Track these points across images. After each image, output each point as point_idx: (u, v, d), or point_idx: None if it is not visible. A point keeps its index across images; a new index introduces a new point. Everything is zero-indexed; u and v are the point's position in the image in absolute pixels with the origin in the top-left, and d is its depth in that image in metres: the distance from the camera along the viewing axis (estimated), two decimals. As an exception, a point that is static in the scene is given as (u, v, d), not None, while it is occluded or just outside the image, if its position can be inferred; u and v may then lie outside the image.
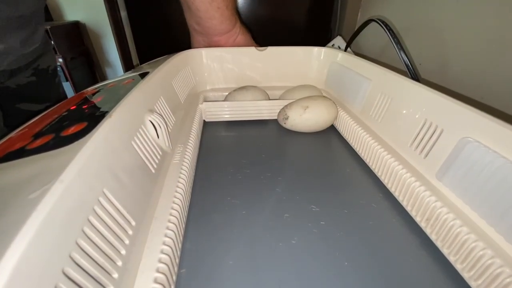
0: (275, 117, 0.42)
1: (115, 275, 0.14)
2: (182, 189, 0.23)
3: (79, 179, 0.13)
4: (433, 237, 0.21)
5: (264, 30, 0.69)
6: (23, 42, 0.39)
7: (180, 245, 0.20)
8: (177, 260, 0.19)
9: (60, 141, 0.16)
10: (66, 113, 0.22)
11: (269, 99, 0.46)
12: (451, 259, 0.20)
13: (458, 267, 0.19)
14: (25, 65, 0.40)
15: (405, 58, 0.36)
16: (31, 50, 0.41)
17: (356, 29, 0.50)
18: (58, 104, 0.25)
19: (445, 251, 0.20)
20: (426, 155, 0.24)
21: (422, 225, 0.22)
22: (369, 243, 0.22)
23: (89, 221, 0.13)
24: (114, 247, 0.14)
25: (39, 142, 0.17)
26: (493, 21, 0.38)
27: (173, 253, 0.18)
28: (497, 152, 0.18)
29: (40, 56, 0.43)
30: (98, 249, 0.13)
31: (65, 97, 0.51)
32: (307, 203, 0.25)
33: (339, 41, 0.66)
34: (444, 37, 0.45)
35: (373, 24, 0.43)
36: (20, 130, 0.21)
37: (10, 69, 0.38)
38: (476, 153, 0.19)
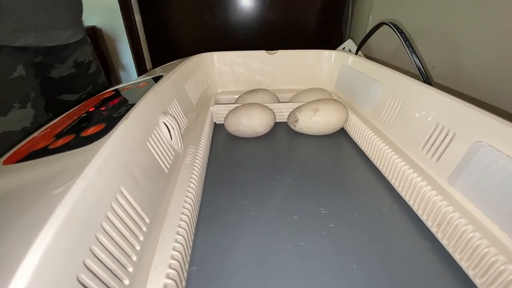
0: (285, 120, 0.42)
1: (130, 269, 0.14)
2: (194, 189, 0.24)
3: (99, 176, 0.14)
4: (444, 242, 0.21)
5: (275, 34, 0.70)
6: (73, 21, 0.44)
7: (191, 243, 0.21)
8: (188, 258, 0.20)
9: (80, 141, 0.17)
10: (85, 114, 0.23)
11: (279, 102, 0.46)
12: (463, 264, 0.19)
13: (470, 273, 0.19)
14: (66, 54, 0.45)
15: (417, 62, 0.36)
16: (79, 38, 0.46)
17: (367, 32, 0.50)
18: (78, 106, 0.27)
19: (456, 257, 0.20)
20: (438, 159, 0.24)
21: (434, 229, 0.22)
22: (378, 247, 0.22)
23: (107, 217, 0.14)
24: (130, 242, 0.15)
25: (60, 142, 0.18)
26: (508, 23, 0.37)
27: (185, 250, 0.19)
28: (511, 157, 0.18)
29: (79, 48, 0.47)
30: (115, 244, 0.14)
31: (105, 84, 0.56)
32: (316, 206, 0.26)
33: (350, 44, 0.66)
34: (457, 39, 0.45)
35: (384, 27, 0.42)
36: (43, 130, 0.22)
37: (65, 44, 0.44)
38: (489, 157, 0.19)
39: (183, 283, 0.18)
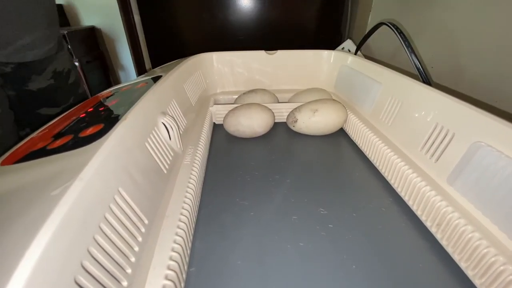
0: (284, 120, 0.42)
1: (129, 270, 0.14)
2: (193, 189, 0.23)
3: (97, 177, 0.14)
4: (444, 242, 0.21)
5: (275, 34, 0.70)
6: (46, 37, 0.41)
7: (190, 244, 0.21)
8: (187, 259, 0.20)
9: (79, 142, 0.17)
10: (83, 115, 0.23)
11: (278, 102, 0.46)
12: (462, 265, 0.19)
13: (470, 273, 0.19)
14: (43, 64, 0.42)
15: (416, 62, 0.36)
16: (51, 47, 0.43)
17: (366, 32, 0.50)
18: (76, 106, 0.27)
19: (456, 257, 0.20)
20: (437, 159, 0.24)
21: (433, 230, 0.22)
22: (377, 247, 0.21)
23: (105, 218, 0.14)
24: (128, 243, 0.15)
25: (59, 142, 0.18)
26: (507, 23, 0.37)
27: (183, 251, 0.19)
28: (510, 157, 0.18)
29: (57, 57, 0.45)
30: (113, 245, 0.14)
31: (84, 94, 0.52)
32: (315, 206, 0.26)
33: (349, 44, 0.65)
34: (457, 40, 0.45)
35: (383, 27, 0.42)
36: (41, 131, 0.22)
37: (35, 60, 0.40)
38: (488, 158, 0.19)
39: (182, 284, 0.18)
